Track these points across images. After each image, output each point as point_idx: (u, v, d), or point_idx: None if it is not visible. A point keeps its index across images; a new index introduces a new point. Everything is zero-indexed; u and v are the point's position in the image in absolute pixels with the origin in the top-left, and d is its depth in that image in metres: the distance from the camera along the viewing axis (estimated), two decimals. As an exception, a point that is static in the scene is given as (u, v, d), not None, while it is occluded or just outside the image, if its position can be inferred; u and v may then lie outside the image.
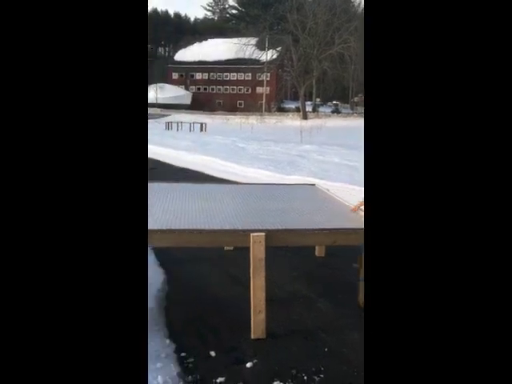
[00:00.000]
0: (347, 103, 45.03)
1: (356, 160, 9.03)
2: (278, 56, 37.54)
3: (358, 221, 2.84)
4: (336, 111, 38.67)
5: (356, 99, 44.36)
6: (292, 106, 38.70)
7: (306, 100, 35.60)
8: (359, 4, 47.62)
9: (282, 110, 35.63)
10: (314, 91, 41.22)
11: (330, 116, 33.45)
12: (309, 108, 36.60)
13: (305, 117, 30.52)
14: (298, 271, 3.45)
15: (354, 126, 23.25)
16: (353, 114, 37.50)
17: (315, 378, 2.09)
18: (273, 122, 29.26)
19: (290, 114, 33.21)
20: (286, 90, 43.88)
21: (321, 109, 40.01)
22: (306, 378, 2.09)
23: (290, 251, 3.66)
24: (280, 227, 2.60)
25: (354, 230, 2.67)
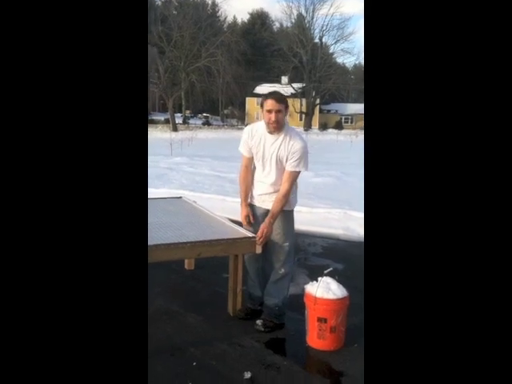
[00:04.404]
0: (218, 115, 46.00)
1: (227, 171, 9.25)
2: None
3: (223, 231, 2.90)
4: (207, 123, 39.14)
5: (226, 111, 45.53)
6: (161, 118, 38.08)
7: (175, 112, 35.38)
8: (225, 19, 49.36)
9: (150, 123, 34.76)
10: (183, 103, 41.20)
11: (200, 128, 33.73)
12: (179, 120, 36.42)
13: (175, 129, 30.24)
14: (164, 286, 3.37)
15: (224, 137, 23.85)
16: (223, 125, 38.40)
17: (183, 395, 2.05)
18: (142, 134, 28.17)
19: (160, 126, 32.58)
20: (154, 101, 43.11)
21: (191, 121, 40.11)
22: (173, 397, 2.04)
23: (158, 266, 3.55)
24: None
25: (218, 241, 2.72)
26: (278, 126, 2.64)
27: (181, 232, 2.86)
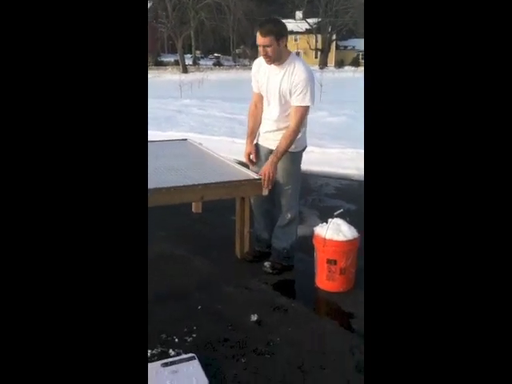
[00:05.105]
0: (229, 55, 44.50)
1: (237, 113, 9.00)
2: (150, 6, 35.15)
3: (228, 174, 2.77)
4: (217, 64, 37.96)
5: (238, 51, 43.95)
6: (171, 59, 36.98)
7: (185, 53, 34.29)
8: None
9: (160, 64, 33.78)
10: (192, 43, 39.80)
11: (211, 69, 32.72)
12: (189, 61, 35.36)
13: (185, 70, 29.41)
14: (171, 230, 3.31)
15: (236, 78, 23.12)
16: (235, 66, 37.20)
17: (187, 338, 2.02)
18: (149, 76, 27.59)
19: (169, 68, 31.68)
20: (163, 42, 41.72)
21: (202, 62, 38.91)
22: (177, 340, 2.01)
23: (165, 209, 3.49)
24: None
25: (222, 184, 2.59)
26: (269, 60, 2.44)
27: (184, 175, 2.74)
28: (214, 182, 2.60)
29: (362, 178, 4.74)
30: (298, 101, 2.44)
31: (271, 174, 2.52)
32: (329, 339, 2.08)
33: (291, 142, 2.49)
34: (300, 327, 2.15)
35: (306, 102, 2.44)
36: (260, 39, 2.38)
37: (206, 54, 44.89)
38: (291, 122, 2.47)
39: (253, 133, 2.73)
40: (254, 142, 2.75)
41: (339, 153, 5.82)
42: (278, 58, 2.43)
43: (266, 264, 2.72)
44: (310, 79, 2.42)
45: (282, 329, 2.13)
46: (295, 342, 2.04)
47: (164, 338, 2.01)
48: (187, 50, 39.82)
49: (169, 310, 2.25)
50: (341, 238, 2.45)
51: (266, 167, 2.52)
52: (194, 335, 2.04)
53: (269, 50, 2.38)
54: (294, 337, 2.07)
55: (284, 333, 2.10)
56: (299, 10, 39.91)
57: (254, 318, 2.20)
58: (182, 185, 2.51)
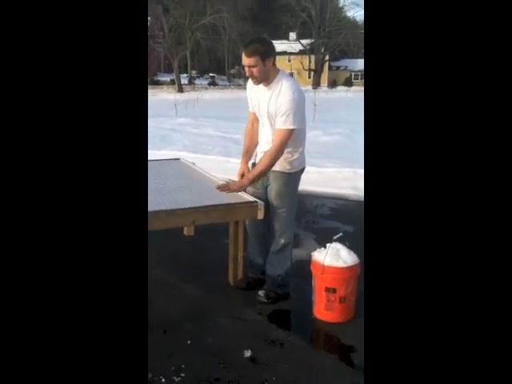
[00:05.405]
0: (224, 75, 44.89)
1: (232, 132, 8.92)
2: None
3: (221, 196, 2.64)
4: (213, 83, 38.28)
5: (233, 71, 44.39)
6: (167, 78, 37.24)
7: (180, 72, 34.57)
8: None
9: (156, 83, 34.04)
10: (188, 63, 40.17)
11: (206, 88, 32.94)
12: (185, 81, 35.61)
13: (180, 90, 29.60)
14: (162, 254, 3.15)
15: (231, 98, 23.24)
16: (230, 86, 37.51)
17: (175, 378, 1.85)
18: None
19: (165, 87, 31.93)
20: (159, 61, 42.06)
21: (197, 81, 39.24)
22: (164, 380, 1.84)
23: (155, 232, 3.33)
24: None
25: (215, 207, 2.46)
26: (256, 81, 2.36)
27: (174, 197, 2.60)
28: (205, 205, 2.47)
29: (359, 198, 4.63)
30: (280, 123, 2.32)
31: (236, 189, 2.50)
32: (328, 376, 1.92)
33: (268, 166, 2.38)
34: (297, 363, 1.99)
35: (288, 125, 2.29)
36: (245, 59, 2.28)
37: (202, 73, 45.32)
38: (272, 145, 2.36)
39: (248, 152, 2.63)
40: (252, 161, 2.65)
41: (335, 172, 5.71)
42: (264, 78, 2.33)
43: (260, 293, 2.57)
44: (296, 100, 2.29)
45: (278, 366, 1.96)
46: (292, 380, 1.88)
47: (150, 378, 1.84)
48: (183, 69, 40.19)
49: (156, 344, 2.07)
50: (340, 264, 2.31)
51: (234, 183, 2.51)
52: (183, 374, 1.87)
53: (254, 70, 2.29)
54: (291, 375, 1.91)
55: (280, 371, 1.93)
56: (293, 31, 40.50)
57: (248, 353, 2.03)
58: (171, 208, 2.37)
